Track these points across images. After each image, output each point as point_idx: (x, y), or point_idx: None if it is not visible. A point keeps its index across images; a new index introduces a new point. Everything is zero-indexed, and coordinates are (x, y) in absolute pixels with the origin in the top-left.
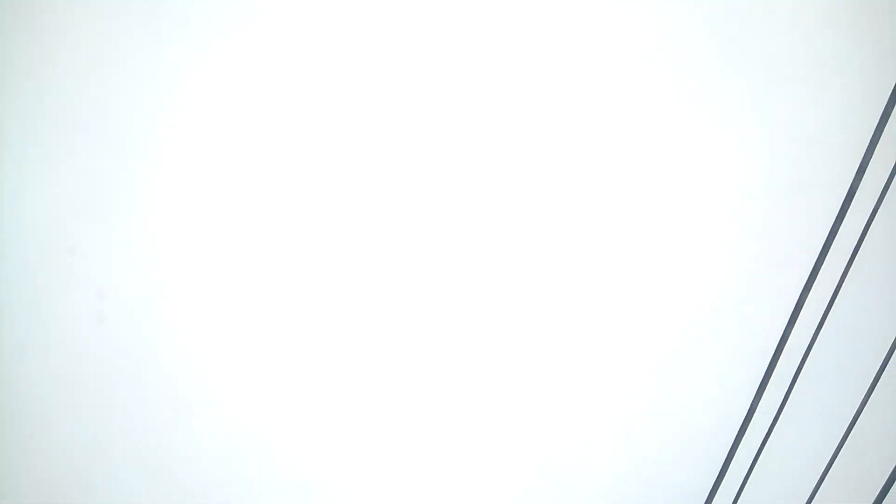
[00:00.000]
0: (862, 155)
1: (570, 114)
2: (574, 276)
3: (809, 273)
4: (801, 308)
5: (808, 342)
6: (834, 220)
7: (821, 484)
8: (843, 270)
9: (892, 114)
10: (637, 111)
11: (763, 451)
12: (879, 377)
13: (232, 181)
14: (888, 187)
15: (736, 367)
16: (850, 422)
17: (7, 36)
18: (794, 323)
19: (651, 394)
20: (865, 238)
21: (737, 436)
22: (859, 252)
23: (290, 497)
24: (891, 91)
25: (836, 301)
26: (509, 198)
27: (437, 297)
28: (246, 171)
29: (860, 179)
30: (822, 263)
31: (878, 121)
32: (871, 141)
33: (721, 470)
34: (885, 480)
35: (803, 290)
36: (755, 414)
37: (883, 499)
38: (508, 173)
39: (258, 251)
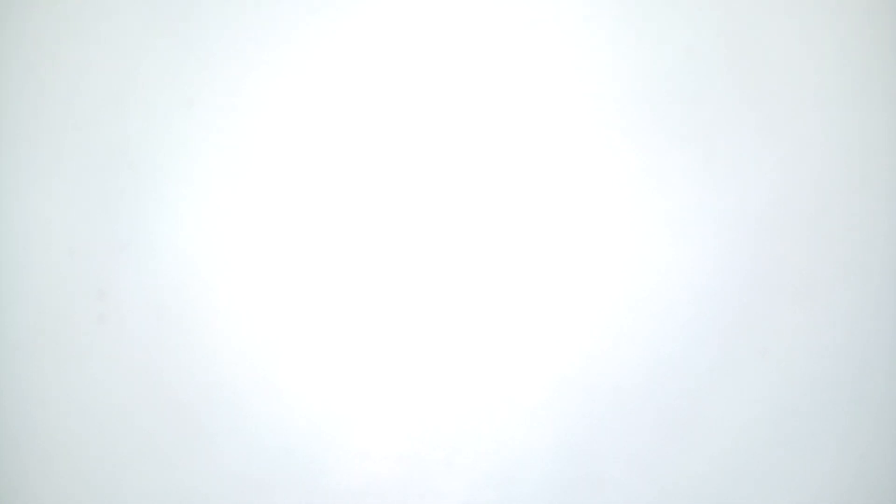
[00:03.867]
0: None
1: (574, 118)
2: (572, 277)
3: None
4: None
5: None
6: None
7: None
8: None
9: None
10: (641, 115)
11: None
12: None
13: (235, 179)
14: None
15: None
16: None
17: (7, 36)
18: None
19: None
20: None
21: None
22: None
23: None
24: None
25: None
26: (525, 198)
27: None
28: (249, 169)
29: None
30: None
31: None
32: None
33: None
34: None
35: None
36: None
37: None
38: (525, 177)
39: (262, 249)
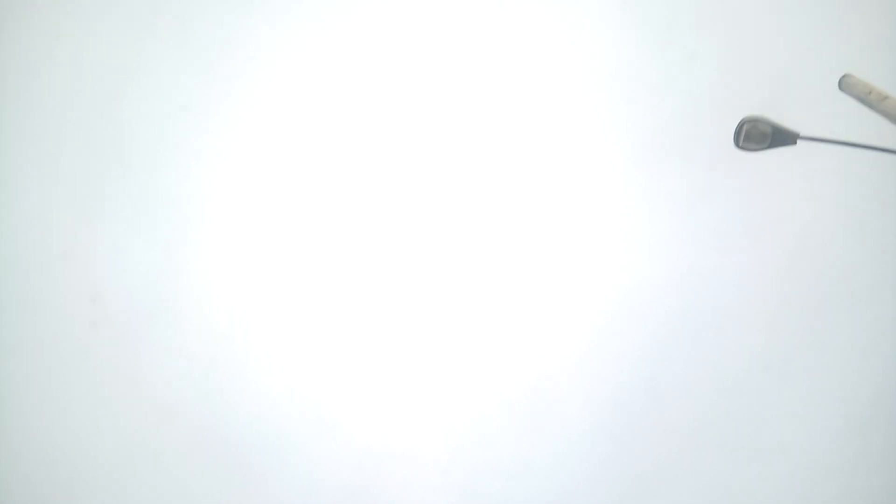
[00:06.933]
0: None
1: (575, 123)
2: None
3: None
4: None
5: None
6: None
7: None
8: None
9: None
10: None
11: None
12: None
13: (230, 183)
14: None
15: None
16: None
17: (4, 40)
18: None
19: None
20: None
21: None
22: None
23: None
24: None
25: None
26: (527, 201)
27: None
28: (244, 173)
29: None
30: None
31: None
32: None
33: None
34: None
35: None
36: None
37: None
38: (527, 181)
39: (257, 254)
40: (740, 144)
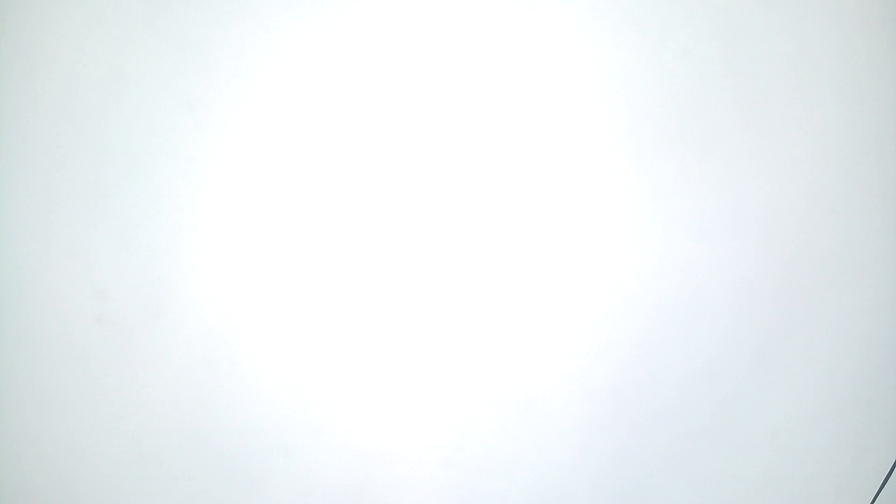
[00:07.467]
0: None
1: (572, 121)
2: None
3: None
4: None
5: None
6: None
7: None
8: None
9: None
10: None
11: None
12: None
13: (235, 180)
14: None
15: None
16: None
17: (7, 37)
18: None
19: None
20: None
21: None
22: None
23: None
24: None
25: None
26: (524, 199)
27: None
28: (249, 170)
29: None
30: None
31: None
32: None
33: None
34: None
35: None
36: None
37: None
38: (524, 179)
39: (262, 249)
40: None
